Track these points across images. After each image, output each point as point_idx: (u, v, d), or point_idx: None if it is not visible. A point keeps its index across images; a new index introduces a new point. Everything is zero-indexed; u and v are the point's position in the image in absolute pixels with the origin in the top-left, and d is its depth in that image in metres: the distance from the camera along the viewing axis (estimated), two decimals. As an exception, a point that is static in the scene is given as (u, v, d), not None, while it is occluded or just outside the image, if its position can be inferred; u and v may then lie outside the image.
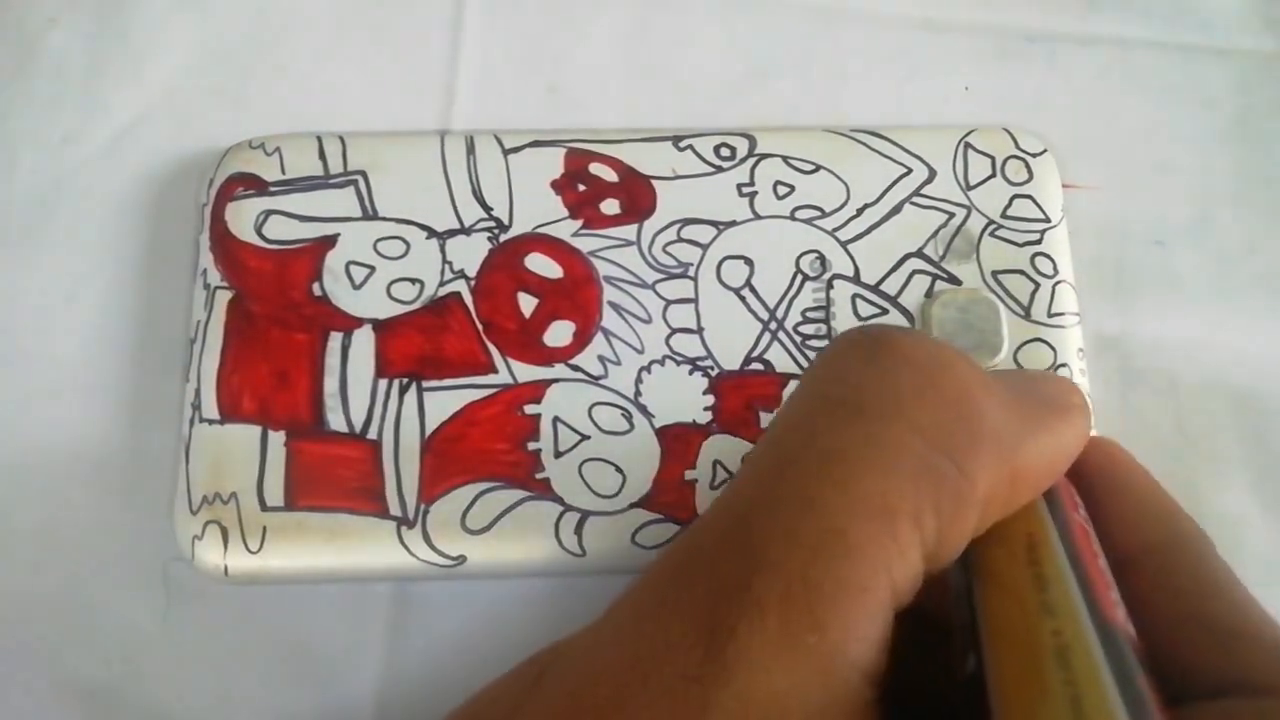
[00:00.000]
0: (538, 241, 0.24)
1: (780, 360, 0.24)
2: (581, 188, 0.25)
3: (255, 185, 0.25)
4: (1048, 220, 0.25)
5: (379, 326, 0.24)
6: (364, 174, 0.25)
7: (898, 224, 0.25)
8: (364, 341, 0.23)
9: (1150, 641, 0.15)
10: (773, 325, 0.24)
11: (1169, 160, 0.27)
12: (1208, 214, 0.27)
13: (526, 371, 0.23)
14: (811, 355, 0.24)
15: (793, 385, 0.24)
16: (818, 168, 0.25)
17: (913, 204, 0.25)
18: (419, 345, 0.23)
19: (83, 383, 0.24)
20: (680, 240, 0.25)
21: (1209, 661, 0.15)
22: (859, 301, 0.24)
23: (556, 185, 0.25)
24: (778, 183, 0.25)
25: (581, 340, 0.24)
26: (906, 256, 0.25)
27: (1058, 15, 0.29)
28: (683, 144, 0.25)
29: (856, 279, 0.25)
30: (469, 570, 0.22)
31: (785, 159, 0.25)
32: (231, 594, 0.23)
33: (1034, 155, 0.26)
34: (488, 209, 0.25)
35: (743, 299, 0.24)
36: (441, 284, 0.24)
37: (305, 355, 0.23)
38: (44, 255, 0.25)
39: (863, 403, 0.15)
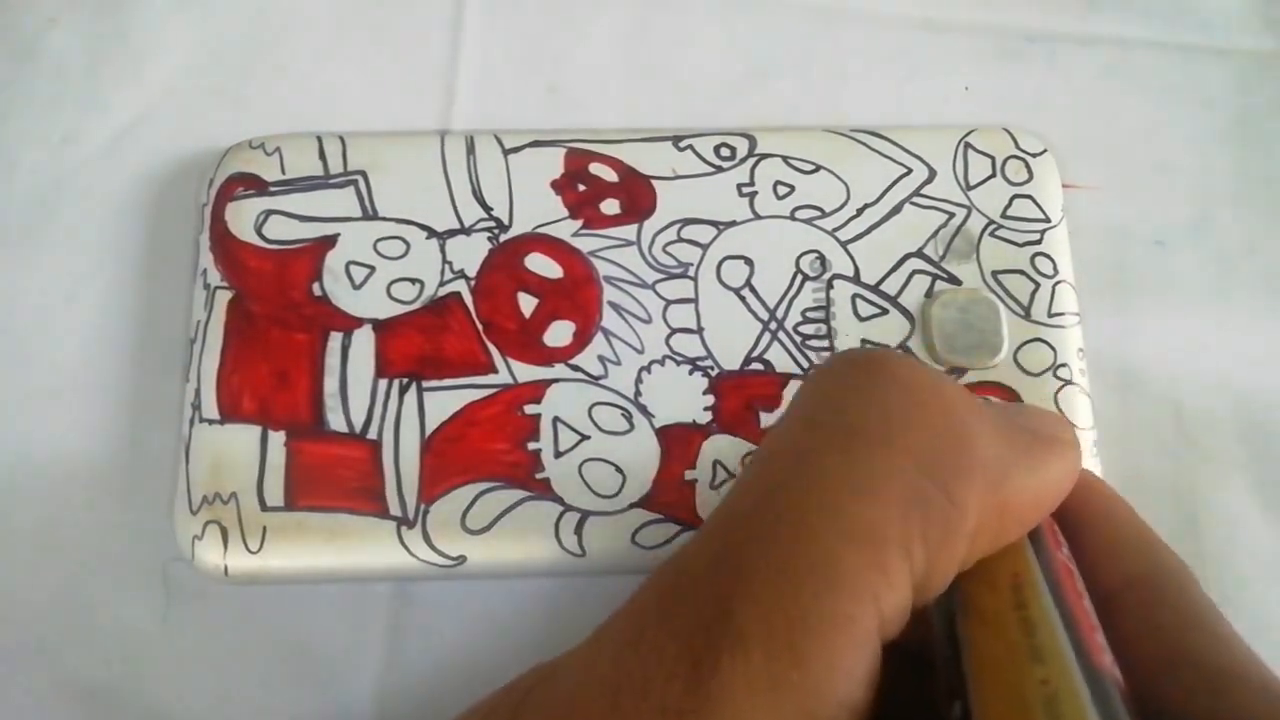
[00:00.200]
0: (538, 241, 0.24)
1: (780, 360, 0.24)
2: (581, 188, 0.25)
3: (255, 185, 0.25)
4: (1048, 220, 0.25)
5: (379, 326, 0.24)
6: (364, 174, 0.25)
7: (898, 224, 0.25)
8: (364, 341, 0.23)
9: (1135, 680, 0.15)
10: (773, 325, 0.24)
11: (1169, 160, 0.27)
12: (1208, 214, 0.27)
13: (526, 371, 0.23)
14: (812, 355, 0.24)
15: (793, 385, 0.24)
16: (818, 168, 0.25)
17: (913, 204, 0.25)
18: (419, 345, 0.23)
19: (83, 383, 0.24)
20: (680, 240, 0.25)
21: (1195, 701, 0.15)
22: (859, 301, 0.24)
23: (556, 185, 0.25)
24: (778, 183, 0.25)
25: (581, 340, 0.24)
26: (906, 256, 0.25)
27: (1058, 15, 0.29)
28: (683, 144, 0.25)
29: (856, 279, 0.25)
30: (469, 570, 0.22)
31: (785, 159, 0.25)
32: (231, 594, 0.23)
33: (1034, 155, 0.26)
34: (488, 209, 0.25)
35: (743, 299, 0.24)
36: (441, 284, 0.24)
37: (305, 355, 0.23)
38: (44, 255, 0.25)
39: (853, 427, 0.15)
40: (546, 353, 0.24)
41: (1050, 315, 0.24)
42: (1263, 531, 0.24)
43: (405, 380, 0.23)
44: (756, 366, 0.24)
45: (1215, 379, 0.26)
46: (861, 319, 0.24)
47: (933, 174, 0.25)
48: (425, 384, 0.23)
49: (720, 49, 0.28)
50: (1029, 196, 0.25)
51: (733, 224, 0.25)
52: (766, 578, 0.14)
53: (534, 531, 0.22)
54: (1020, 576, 0.15)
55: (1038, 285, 0.25)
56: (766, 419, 0.23)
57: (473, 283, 0.24)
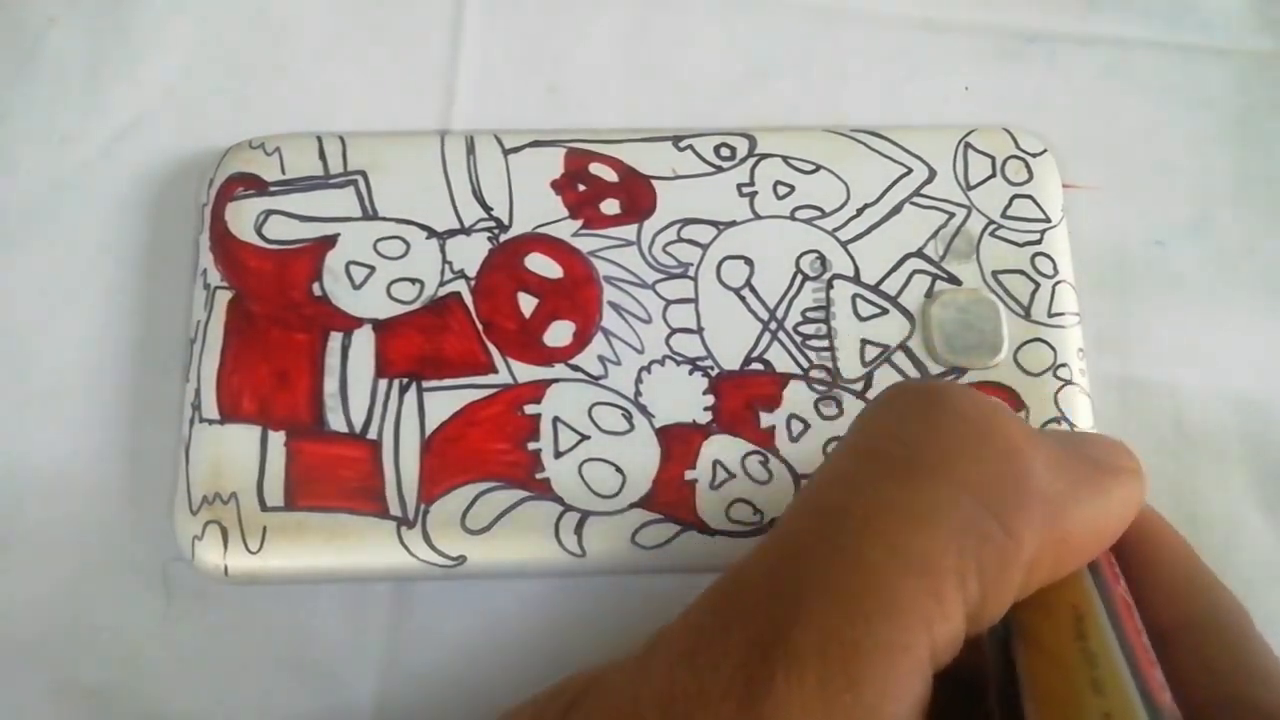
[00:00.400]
0: (538, 241, 0.24)
1: (780, 360, 0.24)
2: (581, 188, 0.25)
3: (255, 185, 0.25)
4: (1048, 220, 0.25)
5: (379, 326, 0.24)
6: (364, 174, 0.25)
7: (898, 224, 0.25)
8: (364, 341, 0.23)
9: None
10: (773, 325, 0.24)
11: (1169, 160, 0.27)
12: (1208, 214, 0.27)
13: (526, 371, 0.23)
14: (812, 355, 0.24)
15: (793, 385, 0.24)
16: (818, 168, 0.25)
17: (913, 204, 0.25)
18: (419, 345, 0.23)
19: (83, 383, 0.24)
20: (680, 240, 0.25)
21: None
22: (859, 301, 0.24)
23: (556, 185, 0.25)
24: (778, 183, 0.25)
25: (581, 340, 0.24)
26: (906, 256, 0.25)
27: (1058, 15, 0.29)
28: (683, 144, 0.25)
29: (856, 279, 0.25)
30: (469, 570, 0.22)
31: (785, 159, 0.25)
32: (231, 594, 0.23)
33: (1034, 155, 0.26)
34: (488, 209, 0.25)
35: (743, 299, 0.24)
36: (441, 284, 0.24)
37: (305, 355, 0.23)
38: (44, 255, 0.25)
39: (911, 458, 0.15)
40: (546, 353, 0.24)
41: (1050, 315, 0.24)
42: (1263, 531, 0.25)
43: (405, 380, 0.23)
44: (756, 366, 0.24)
45: (1215, 378, 0.26)
46: (861, 319, 0.24)
47: (933, 174, 0.25)
48: (425, 384, 0.23)
49: (720, 49, 0.28)
50: (1029, 196, 0.25)
51: (733, 224, 0.25)
52: (823, 603, 0.14)
53: (534, 531, 0.22)
54: (1080, 608, 0.15)
55: (1038, 285, 0.25)
56: (766, 419, 0.23)
57: (473, 283, 0.24)
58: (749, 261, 0.24)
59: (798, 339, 0.24)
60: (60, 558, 0.23)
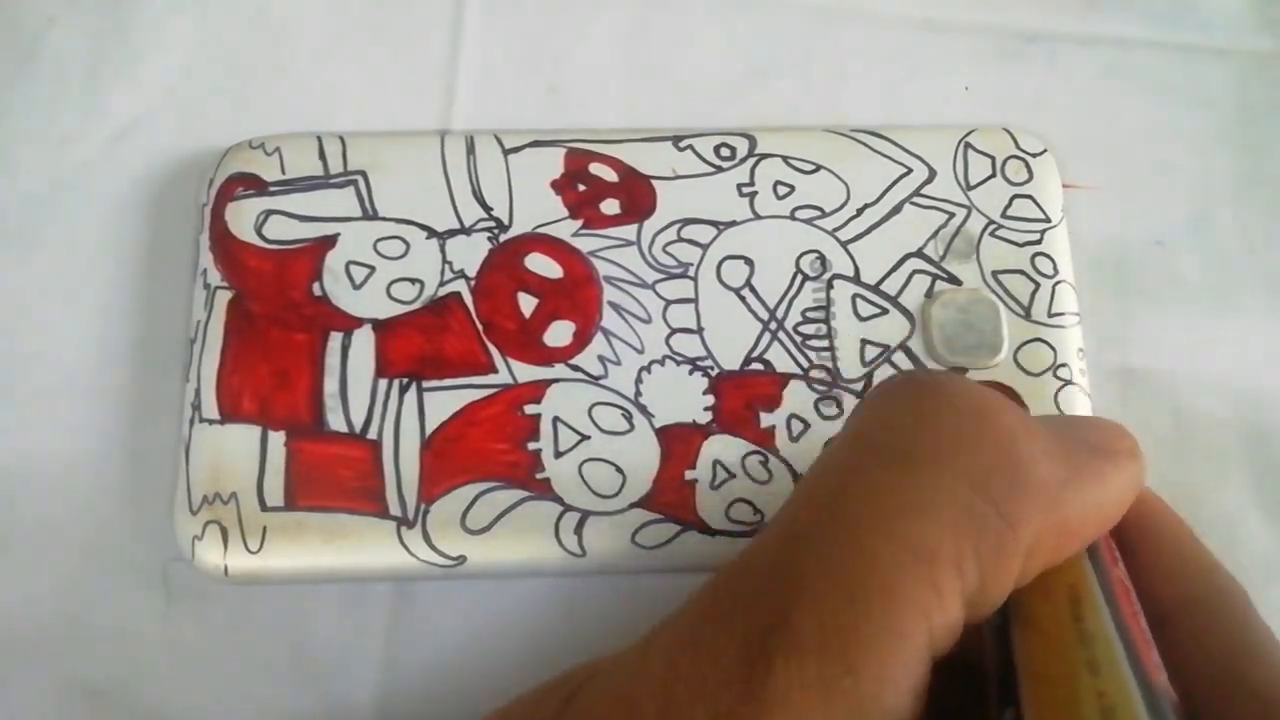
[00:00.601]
0: (538, 241, 0.24)
1: (780, 360, 0.24)
2: (581, 188, 0.25)
3: (255, 185, 0.25)
4: (1048, 220, 0.25)
5: (379, 326, 0.24)
6: (364, 174, 0.25)
7: (898, 224, 0.25)
8: (364, 341, 0.23)
9: (1188, 703, 0.15)
10: (773, 325, 0.24)
11: (1169, 160, 0.27)
12: (1208, 214, 0.27)
13: (526, 371, 0.23)
14: (812, 355, 0.24)
15: (793, 385, 0.24)
16: (818, 168, 0.25)
17: (913, 204, 0.25)
18: (419, 345, 0.23)
19: (82, 383, 0.24)
20: (680, 240, 0.25)
21: None
22: (859, 301, 0.24)
23: (556, 185, 0.25)
24: (778, 183, 0.25)
25: (581, 340, 0.24)
26: (906, 256, 0.25)
27: (1058, 15, 0.29)
28: (683, 144, 0.25)
29: (856, 279, 0.25)
30: (469, 570, 0.22)
31: (785, 159, 0.25)
32: (231, 594, 0.23)
33: (1034, 155, 0.26)
34: (488, 209, 0.25)
35: (743, 299, 0.24)
36: (441, 284, 0.24)
37: (305, 355, 0.23)
38: (44, 255, 0.25)
39: (908, 449, 0.15)
40: (546, 353, 0.24)
41: (1050, 315, 0.24)
42: (1262, 531, 0.25)
43: (405, 380, 0.23)
44: (756, 366, 0.24)
45: (1215, 379, 0.26)
46: (861, 319, 0.24)
47: (933, 174, 0.25)
48: (425, 384, 0.23)
49: (720, 49, 0.28)
50: (1029, 196, 0.25)
51: (733, 224, 0.25)
52: (823, 591, 0.14)
53: (534, 531, 0.22)
54: (1077, 589, 0.15)
55: (1038, 285, 0.25)
56: (766, 419, 0.23)
57: (473, 283, 0.24)
58: (749, 261, 0.24)
59: (798, 339, 0.24)
60: (60, 558, 0.23)
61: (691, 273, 0.24)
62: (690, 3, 0.28)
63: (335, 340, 0.23)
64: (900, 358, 0.24)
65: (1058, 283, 0.25)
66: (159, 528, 0.23)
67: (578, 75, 0.28)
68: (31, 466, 0.24)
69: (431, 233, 0.24)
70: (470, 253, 0.24)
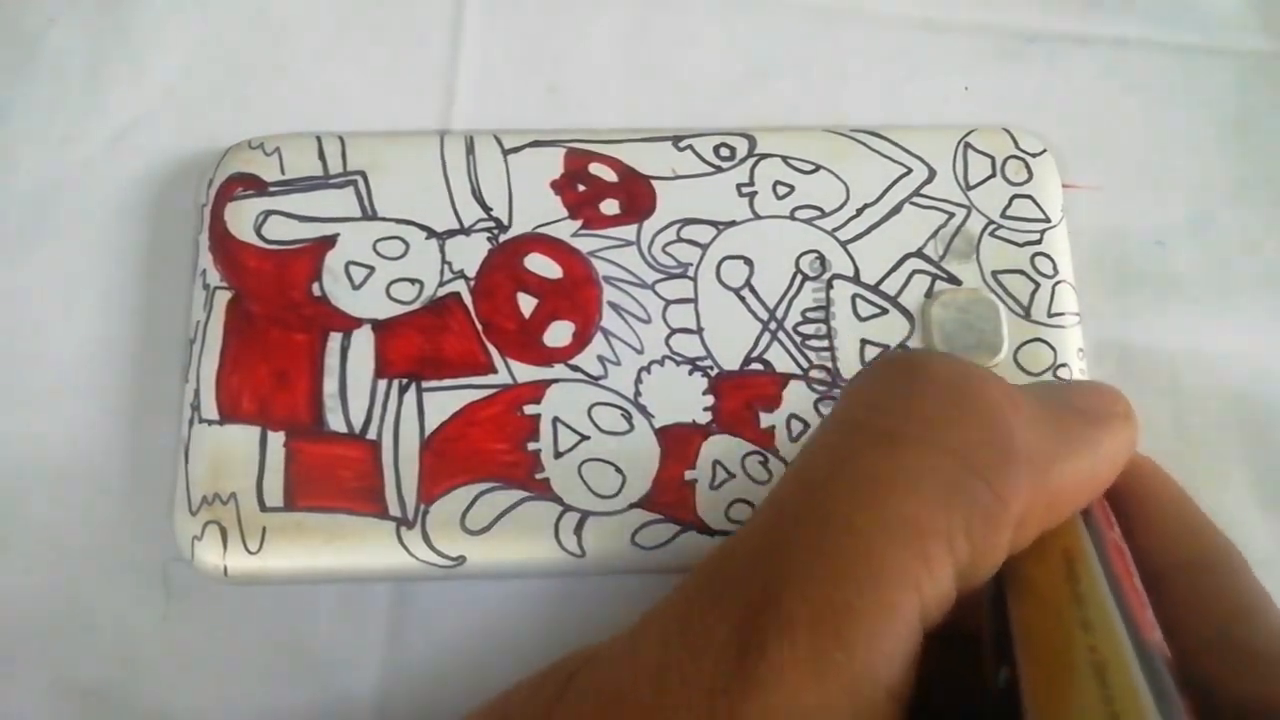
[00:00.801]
0: (537, 241, 0.24)
1: (780, 360, 0.24)
2: (581, 188, 0.25)
3: (255, 185, 0.25)
4: (1048, 220, 0.25)
5: (378, 327, 0.24)
6: (364, 174, 0.25)
7: (898, 224, 0.25)
8: (363, 342, 0.23)
9: (1180, 661, 0.15)
10: (772, 325, 0.24)
11: (1169, 160, 0.27)
12: (1208, 214, 0.27)
13: (526, 371, 0.23)
14: (811, 355, 0.24)
15: (793, 385, 0.24)
16: (818, 168, 0.25)
17: (913, 204, 0.25)
18: (419, 345, 0.23)
19: (83, 383, 0.24)
20: (680, 240, 0.25)
21: (1239, 685, 0.15)
22: (859, 301, 0.24)
23: (556, 185, 0.25)
24: (777, 183, 0.25)
25: (581, 340, 0.24)
26: (906, 256, 0.25)
27: (1058, 15, 0.29)
28: (683, 144, 0.25)
29: (856, 279, 0.25)
30: (469, 570, 0.22)
31: (785, 159, 0.25)
32: (231, 594, 0.23)
33: (1034, 155, 0.26)
34: (487, 209, 0.25)
35: (742, 299, 0.24)
36: (441, 284, 0.24)
37: (305, 355, 0.23)
38: (44, 256, 0.25)
39: (893, 427, 0.15)
40: (546, 353, 0.24)
41: (1050, 315, 0.24)
42: (1262, 531, 0.24)
43: (405, 380, 0.23)
44: (756, 366, 0.24)
45: (1215, 379, 0.26)
46: (861, 319, 0.24)
47: (933, 174, 0.25)
48: (425, 384, 0.23)
49: (720, 49, 0.28)
50: (1029, 196, 0.25)
51: (732, 224, 0.25)
52: (813, 569, 0.14)
53: (534, 531, 0.22)
54: (1071, 551, 0.16)
55: (1038, 285, 0.25)
56: (766, 419, 0.23)
57: (472, 283, 0.24)
58: (749, 261, 0.24)
59: (798, 339, 0.24)
60: (60, 557, 0.23)
61: (691, 273, 0.24)
62: (690, 3, 0.28)
63: (335, 340, 0.23)
64: (900, 358, 0.24)
65: (1058, 283, 0.25)
66: (159, 528, 0.23)
67: (578, 75, 0.28)
68: (32, 466, 0.24)
69: (431, 233, 0.24)
70: (470, 253, 0.24)
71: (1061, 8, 0.29)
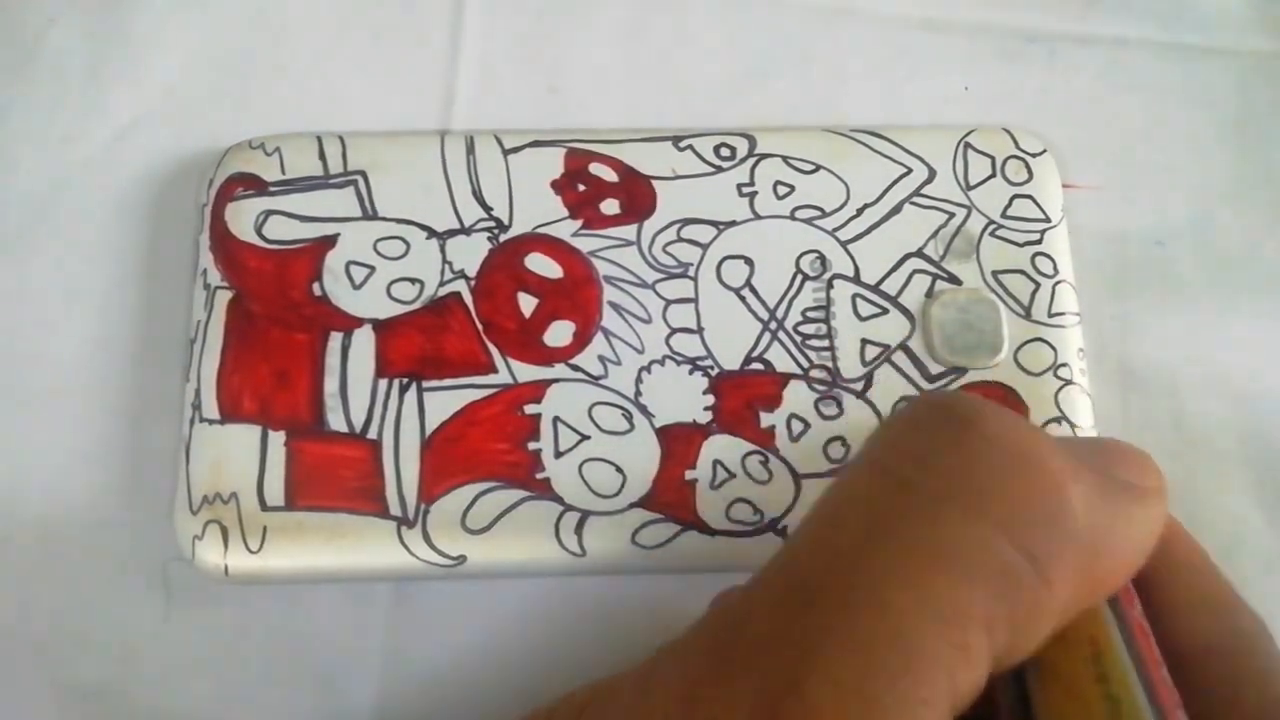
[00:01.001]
0: (538, 241, 0.24)
1: (780, 360, 0.24)
2: (581, 188, 0.25)
3: (255, 185, 0.25)
4: (1048, 220, 0.25)
5: (379, 326, 0.24)
6: (364, 174, 0.25)
7: (898, 224, 0.25)
8: (364, 341, 0.23)
9: None
10: (773, 325, 0.24)
11: (1169, 160, 0.27)
12: (1208, 214, 0.27)
13: (526, 371, 0.23)
14: (811, 355, 0.24)
15: (793, 384, 0.24)
16: (818, 168, 0.25)
17: (913, 204, 0.25)
18: (419, 345, 0.23)
19: (83, 383, 0.24)
20: (680, 240, 0.25)
21: None
22: (859, 301, 0.24)
23: (556, 185, 0.25)
24: (778, 183, 0.25)
25: (581, 340, 0.24)
26: (906, 256, 0.25)
27: (1058, 15, 0.29)
28: (683, 144, 0.25)
29: (856, 279, 0.25)
30: (469, 570, 0.22)
31: (785, 159, 0.25)
32: (231, 594, 0.23)
33: (1034, 155, 0.26)
34: (488, 209, 0.25)
35: (743, 299, 0.24)
36: (441, 284, 0.24)
37: (305, 355, 0.23)
38: (44, 256, 0.25)
39: (941, 491, 0.14)
40: (546, 353, 0.24)
41: (1050, 315, 0.24)
42: (1263, 531, 0.25)
43: (405, 380, 0.23)
44: (756, 366, 0.24)
45: (1215, 379, 0.26)
46: (861, 319, 0.24)
47: (933, 174, 0.25)
48: (425, 384, 0.23)
49: (720, 49, 0.28)
50: (1029, 196, 0.25)
51: (733, 224, 0.25)
52: (842, 653, 0.13)
53: (534, 531, 0.22)
54: (1099, 644, 0.15)
55: (1038, 285, 0.25)
56: (766, 419, 0.23)
57: (473, 283, 0.24)
58: (749, 261, 0.24)
59: (798, 339, 0.24)
60: (60, 557, 0.23)
61: (691, 273, 0.24)
62: (690, 3, 0.28)
63: (335, 340, 0.23)
64: (900, 358, 0.24)
65: (1058, 283, 0.25)
66: (159, 528, 0.23)
67: (578, 75, 0.28)
68: (32, 466, 0.24)
69: (431, 233, 0.24)
70: (470, 253, 0.24)
71: (1061, 8, 0.29)
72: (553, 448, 0.23)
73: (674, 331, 0.24)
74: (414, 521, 0.22)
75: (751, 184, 0.25)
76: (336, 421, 0.23)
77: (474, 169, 0.25)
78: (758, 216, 0.25)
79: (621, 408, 0.23)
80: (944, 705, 0.13)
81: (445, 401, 0.23)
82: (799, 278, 0.24)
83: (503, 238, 0.24)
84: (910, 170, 0.25)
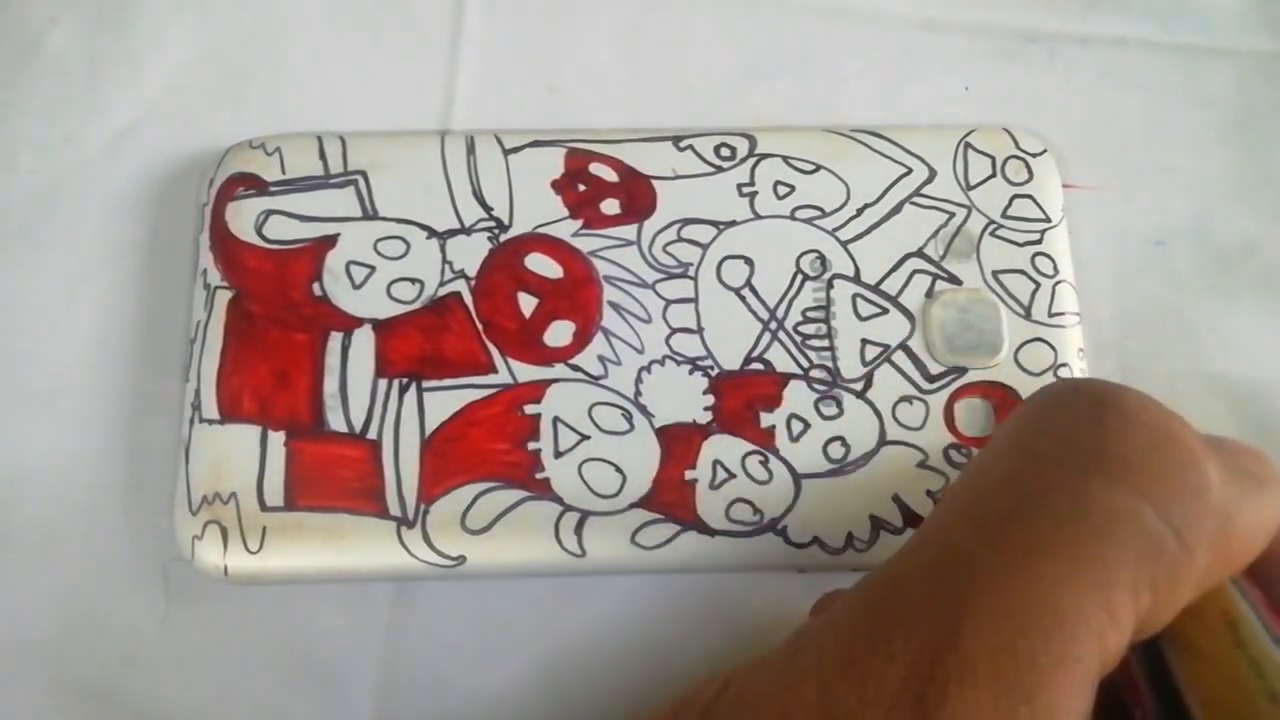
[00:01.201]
0: (538, 241, 0.24)
1: (780, 360, 0.24)
2: (581, 188, 0.25)
3: (255, 185, 0.25)
4: (1048, 220, 0.25)
5: (379, 326, 0.24)
6: (364, 174, 0.25)
7: (898, 224, 0.25)
8: (364, 341, 0.23)
9: None
10: (773, 325, 0.24)
11: (1169, 160, 0.27)
12: (1208, 214, 0.27)
13: (526, 371, 0.23)
14: (811, 355, 0.24)
15: (793, 385, 0.24)
16: (818, 168, 0.25)
17: (913, 204, 0.25)
18: (419, 345, 0.23)
19: (83, 383, 0.24)
20: (680, 240, 0.25)
21: None
22: (859, 301, 0.24)
23: (556, 185, 0.25)
24: (778, 183, 0.25)
25: (581, 340, 0.24)
26: (907, 256, 0.25)
27: (1058, 15, 0.29)
28: (683, 144, 0.25)
29: (857, 279, 0.25)
30: (469, 570, 0.22)
31: (785, 159, 0.25)
32: (231, 594, 0.23)
33: (1034, 155, 0.26)
34: (488, 209, 0.25)
35: (743, 299, 0.24)
36: (441, 284, 0.24)
37: (305, 355, 0.23)
38: (44, 255, 0.25)
39: (1086, 465, 0.15)
40: (546, 353, 0.24)
41: (1050, 315, 0.24)
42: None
43: (405, 380, 0.23)
44: (756, 366, 0.24)
45: (1215, 379, 0.26)
46: (862, 319, 0.24)
47: (933, 174, 0.25)
48: (425, 384, 0.23)
49: (720, 49, 0.28)
50: (1029, 196, 0.25)
51: (733, 224, 0.25)
52: (995, 615, 0.14)
53: (534, 531, 0.22)
54: (1231, 614, 0.15)
55: (1038, 285, 0.25)
56: (766, 419, 0.23)
57: (473, 283, 0.24)
58: (749, 261, 0.24)
59: (798, 339, 0.24)
60: (60, 558, 0.23)
61: (691, 273, 0.24)
62: (690, 3, 0.28)
63: (335, 340, 0.23)
64: (900, 357, 0.24)
65: (1058, 282, 0.25)
66: (159, 528, 0.23)
67: (578, 75, 0.28)
68: (32, 466, 0.24)
69: (431, 233, 0.24)
70: (470, 253, 0.24)
71: (1061, 8, 0.29)
72: (552, 448, 0.23)
73: (674, 331, 0.24)
74: (414, 522, 0.22)
75: (752, 184, 0.25)
76: (336, 421, 0.23)
77: (474, 169, 0.25)
78: (758, 216, 0.25)
79: (621, 408, 0.23)
80: (1094, 665, 0.13)
81: (445, 401, 0.23)
82: (799, 278, 0.24)
83: (503, 238, 0.24)
84: (910, 170, 0.25)
